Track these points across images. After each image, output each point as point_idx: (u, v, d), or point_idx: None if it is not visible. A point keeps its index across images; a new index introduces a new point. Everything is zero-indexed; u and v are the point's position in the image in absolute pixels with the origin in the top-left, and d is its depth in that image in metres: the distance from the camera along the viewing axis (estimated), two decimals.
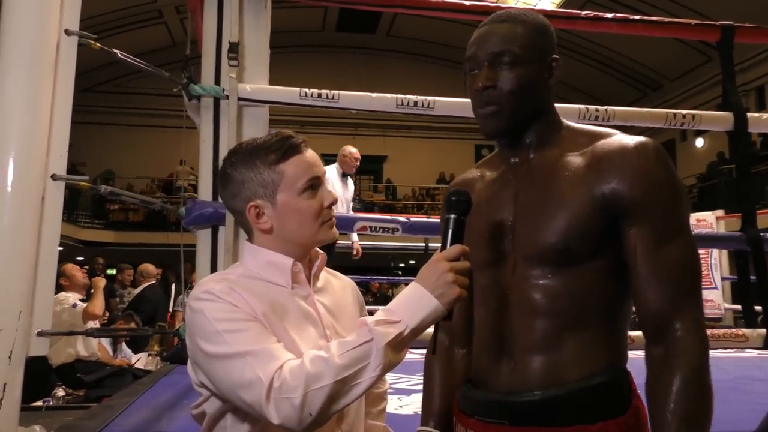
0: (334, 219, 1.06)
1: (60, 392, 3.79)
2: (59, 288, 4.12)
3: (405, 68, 16.18)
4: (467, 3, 2.70)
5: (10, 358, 1.69)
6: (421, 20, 12.63)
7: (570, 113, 2.57)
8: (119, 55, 2.27)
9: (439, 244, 0.95)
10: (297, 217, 1.01)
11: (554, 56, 0.99)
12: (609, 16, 2.89)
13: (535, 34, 0.98)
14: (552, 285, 0.93)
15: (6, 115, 1.76)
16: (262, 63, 2.70)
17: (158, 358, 4.71)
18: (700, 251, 4.60)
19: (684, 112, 2.77)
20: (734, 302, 6.25)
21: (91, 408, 2.51)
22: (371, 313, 1.00)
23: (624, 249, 0.91)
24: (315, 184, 1.02)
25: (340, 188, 4.78)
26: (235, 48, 2.53)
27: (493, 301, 0.99)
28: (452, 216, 0.93)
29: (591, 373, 0.90)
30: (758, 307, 2.66)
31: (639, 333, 2.35)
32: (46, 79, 1.84)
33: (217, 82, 2.59)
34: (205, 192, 2.53)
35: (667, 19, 3.13)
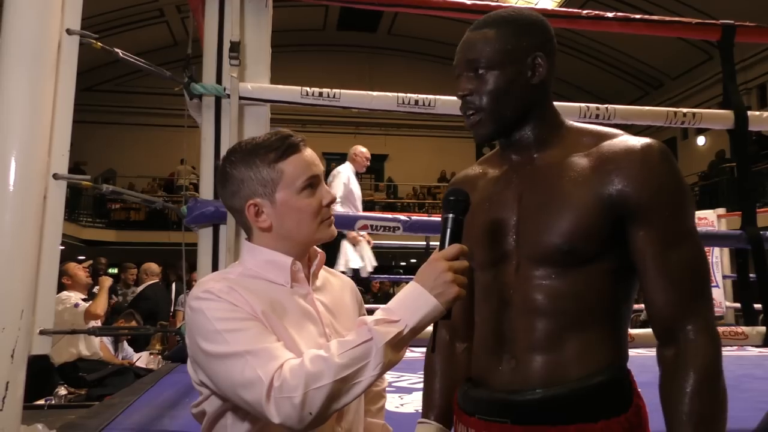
0: (332, 217, 1.06)
1: (62, 391, 3.79)
2: (61, 287, 4.13)
3: (406, 67, 16.17)
4: (468, 2, 2.70)
5: (12, 356, 1.69)
6: (423, 19, 12.62)
7: (571, 112, 2.57)
8: (120, 54, 2.27)
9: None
10: (296, 215, 1.02)
11: (537, 54, 0.97)
12: (610, 15, 2.88)
13: (511, 34, 0.97)
14: (555, 285, 0.93)
15: (8, 114, 1.77)
16: (263, 62, 2.70)
17: (160, 356, 4.72)
18: None
19: (685, 110, 2.77)
20: (735, 300, 6.24)
21: (93, 407, 2.52)
22: (371, 311, 1.00)
23: (632, 251, 0.92)
24: (314, 182, 1.03)
25: (357, 187, 4.86)
26: (236, 47, 2.53)
27: (495, 300, 0.99)
28: (450, 215, 0.94)
29: (592, 371, 0.91)
30: (758, 306, 2.66)
31: (639, 331, 2.37)
32: (48, 79, 1.84)
33: (219, 81, 2.59)
34: (207, 191, 2.53)
35: (667, 18, 3.13)
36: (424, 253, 6.12)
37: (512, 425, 0.92)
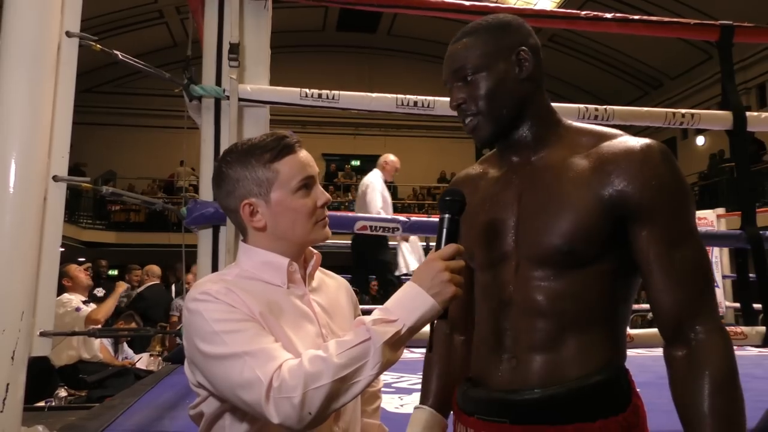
0: (327, 218, 1.07)
1: (62, 393, 3.79)
2: (62, 289, 4.13)
3: (406, 67, 16.18)
4: (467, 3, 2.71)
5: (12, 358, 1.70)
6: (422, 20, 12.63)
7: (570, 113, 2.57)
8: (120, 56, 2.28)
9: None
10: (291, 215, 1.02)
11: (521, 49, 0.98)
12: (608, 16, 2.89)
13: (490, 37, 0.99)
14: (554, 286, 0.94)
15: (7, 116, 1.77)
16: (262, 63, 2.71)
17: (160, 358, 4.72)
18: None
19: (683, 111, 2.78)
20: (735, 300, 6.25)
21: (93, 408, 2.52)
22: (368, 312, 1.01)
23: (634, 252, 0.92)
24: (309, 183, 1.04)
25: (388, 195, 4.95)
26: (235, 49, 2.53)
27: (494, 300, 1.00)
28: (447, 215, 0.95)
29: (590, 371, 0.91)
30: (758, 305, 2.66)
31: (638, 331, 2.37)
32: (48, 81, 1.84)
33: (218, 82, 2.59)
34: (206, 192, 2.54)
35: (666, 19, 3.13)
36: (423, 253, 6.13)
37: (511, 425, 0.93)
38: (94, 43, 2.03)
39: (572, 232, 0.91)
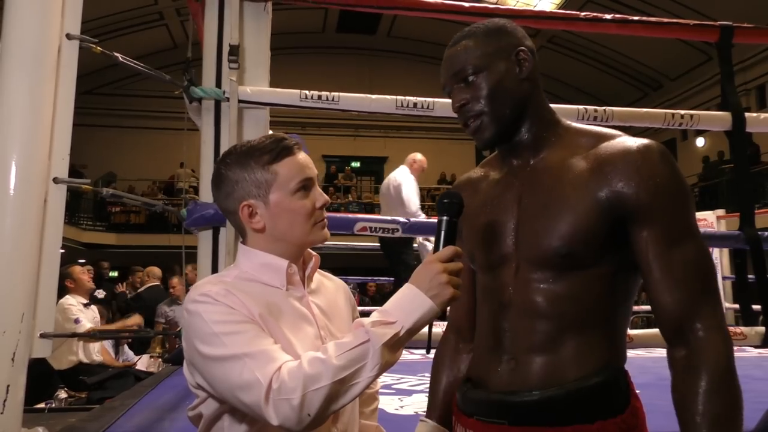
0: (325, 220, 1.07)
1: (62, 394, 3.80)
2: (64, 290, 4.14)
3: (406, 69, 16.18)
4: (466, 5, 2.71)
5: (13, 360, 1.70)
6: (422, 21, 12.64)
7: (569, 114, 2.58)
8: (120, 58, 2.28)
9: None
10: (289, 216, 1.03)
11: (520, 49, 0.99)
12: (608, 17, 2.90)
13: (488, 38, 0.99)
14: (554, 288, 0.94)
15: (8, 118, 1.78)
16: (262, 65, 2.71)
17: (160, 359, 4.72)
18: None
19: (682, 112, 2.78)
20: (735, 301, 6.25)
21: (93, 410, 2.52)
22: (366, 314, 1.01)
23: (634, 252, 0.92)
24: (307, 185, 1.04)
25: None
26: (235, 51, 2.54)
27: (495, 302, 1.00)
28: (444, 218, 0.95)
29: (589, 373, 0.91)
30: (757, 306, 2.67)
31: (638, 332, 2.37)
32: (48, 83, 1.85)
33: (218, 84, 2.60)
34: (206, 194, 2.54)
35: (665, 20, 3.14)
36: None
37: (510, 426, 0.93)
38: (94, 46, 2.04)
39: (571, 234, 0.91)
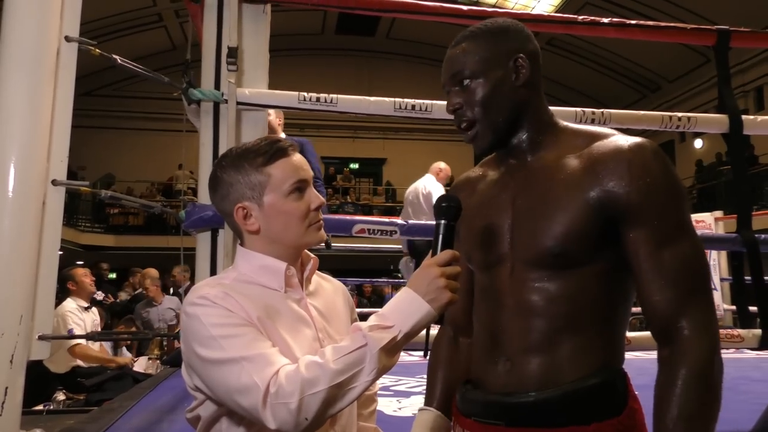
0: (321, 221, 1.07)
1: (60, 396, 3.79)
2: (66, 292, 4.14)
3: (405, 70, 16.20)
4: (465, 8, 2.72)
5: (11, 362, 1.70)
6: (421, 23, 12.65)
7: (567, 116, 2.58)
8: (119, 60, 2.28)
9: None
10: (283, 218, 1.03)
11: (519, 56, 0.99)
12: (605, 20, 2.90)
13: (488, 42, 0.99)
14: (549, 288, 0.94)
15: (7, 120, 1.78)
16: (261, 67, 2.71)
17: (158, 361, 4.72)
18: None
19: (680, 114, 2.79)
20: (733, 303, 6.26)
21: (91, 412, 2.52)
22: (365, 316, 1.01)
23: (625, 252, 0.91)
24: (302, 186, 1.04)
25: None
26: (233, 53, 2.54)
27: (491, 302, 1.00)
28: (442, 221, 0.95)
29: (586, 374, 0.91)
30: (754, 308, 2.67)
31: (636, 334, 2.37)
32: (47, 86, 1.85)
33: (217, 86, 2.60)
34: (205, 195, 2.54)
35: (663, 24, 3.14)
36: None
37: (506, 428, 0.93)
38: (93, 48, 2.04)
39: (564, 233, 0.92)
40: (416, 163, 16.95)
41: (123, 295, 6.70)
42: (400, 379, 2.94)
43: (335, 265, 6.99)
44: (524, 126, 1.01)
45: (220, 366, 0.91)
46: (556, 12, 13.08)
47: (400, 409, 2.40)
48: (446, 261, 0.92)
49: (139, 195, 12.98)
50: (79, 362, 4.08)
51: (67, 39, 1.93)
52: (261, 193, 1.03)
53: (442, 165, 5.24)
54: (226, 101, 2.52)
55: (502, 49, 0.99)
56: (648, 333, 0.95)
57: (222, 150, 2.51)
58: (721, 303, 6.26)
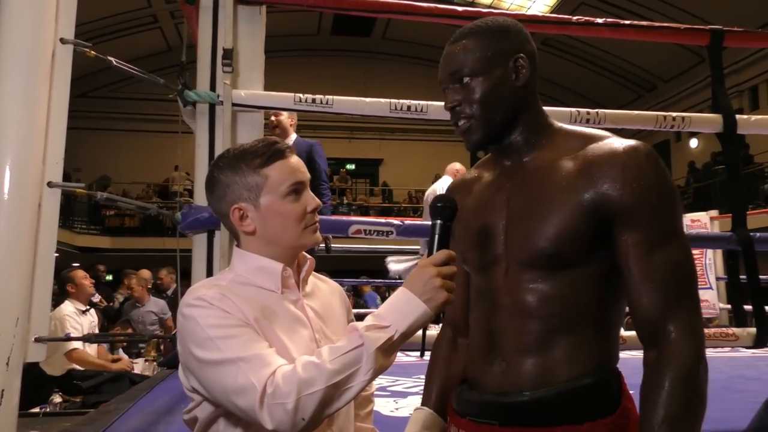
0: (317, 223, 1.08)
1: (57, 398, 3.78)
2: (66, 294, 4.14)
3: (401, 71, 16.22)
4: (460, 9, 2.73)
5: (7, 364, 1.70)
6: (417, 23, 12.65)
7: (562, 116, 2.59)
8: (114, 62, 2.28)
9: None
10: (280, 220, 1.03)
11: (519, 56, 0.98)
12: (600, 21, 2.91)
13: (488, 41, 0.98)
14: (543, 288, 0.94)
15: (2, 123, 1.78)
16: (257, 69, 2.72)
17: (155, 363, 4.71)
18: (694, 252, 4.64)
19: (674, 114, 2.80)
20: (729, 302, 6.28)
21: (88, 414, 2.51)
22: (361, 317, 1.02)
23: (617, 254, 0.92)
24: (299, 188, 1.04)
25: None
26: (229, 54, 2.55)
27: (486, 303, 1.01)
28: (438, 222, 0.95)
29: (580, 374, 0.91)
30: (749, 307, 2.68)
31: (631, 333, 2.38)
32: (42, 88, 1.85)
33: (213, 88, 2.60)
34: (201, 197, 2.54)
35: (657, 24, 3.15)
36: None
37: (500, 427, 0.94)
38: (88, 50, 2.04)
39: (558, 235, 0.92)
40: (413, 163, 17.07)
41: (120, 297, 6.68)
42: (397, 380, 2.94)
43: (331, 266, 6.99)
44: (520, 126, 1.01)
45: (216, 367, 0.91)
46: (551, 12, 13.12)
47: (397, 409, 2.40)
48: (442, 261, 0.93)
49: (135, 197, 12.95)
50: (76, 366, 4.07)
51: (62, 41, 1.93)
52: (258, 195, 1.03)
53: (457, 166, 5.23)
54: (221, 103, 2.52)
55: (503, 48, 0.98)
56: None
57: (218, 151, 2.51)
58: (717, 302, 6.28)
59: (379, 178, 17.74)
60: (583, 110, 2.67)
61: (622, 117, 2.86)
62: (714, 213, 6.92)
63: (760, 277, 2.65)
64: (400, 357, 3.33)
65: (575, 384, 0.91)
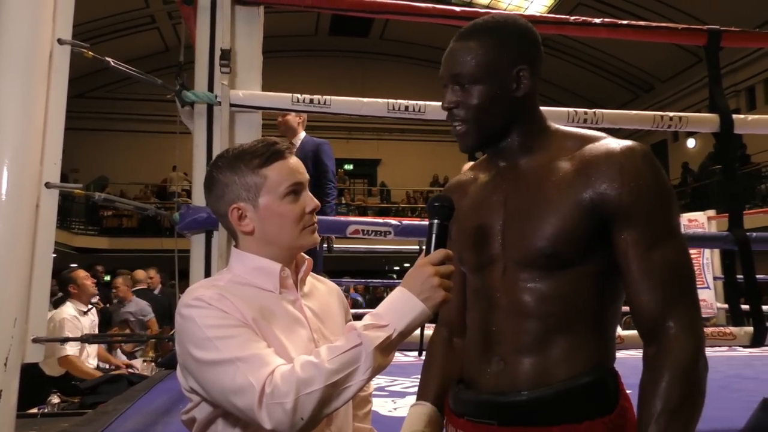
0: (315, 224, 1.08)
1: (55, 399, 3.77)
2: (68, 294, 4.13)
3: (398, 71, 16.23)
4: (458, 9, 2.74)
5: (5, 365, 1.70)
6: (414, 24, 12.66)
7: (559, 117, 2.60)
8: (112, 63, 2.28)
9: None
10: (278, 220, 1.03)
11: (521, 67, 0.97)
12: (597, 21, 2.92)
13: (494, 48, 0.97)
14: (540, 288, 0.95)
15: (0, 124, 1.78)
16: (254, 69, 2.72)
17: (153, 364, 4.71)
18: (692, 251, 4.66)
19: (671, 114, 2.81)
20: (726, 301, 6.30)
21: (86, 414, 2.51)
22: (359, 317, 1.02)
23: (615, 253, 0.92)
24: (297, 189, 1.04)
25: None
26: (226, 55, 2.55)
27: (483, 303, 1.01)
28: (435, 221, 0.96)
29: (578, 373, 0.92)
30: (746, 306, 2.69)
31: (628, 332, 2.39)
32: (40, 88, 1.85)
33: (211, 88, 2.60)
34: (199, 197, 2.54)
35: (654, 24, 3.16)
36: (417, 257, 6.15)
37: (498, 427, 0.94)
38: (86, 51, 2.04)
39: (555, 234, 0.92)
40: (410, 163, 17.08)
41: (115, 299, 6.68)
42: (396, 380, 2.94)
43: (330, 266, 6.99)
44: (516, 130, 1.01)
45: (215, 367, 0.91)
46: (548, 12, 13.14)
47: (395, 409, 2.40)
48: (440, 260, 0.93)
49: (132, 197, 12.93)
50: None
51: (60, 41, 1.93)
52: (256, 195, 1.03)
53: (468, 165, 5.26)
54: (219, 103, 2.52)
55: (506, 56, 0.97)
56: None
57: (216, 152, 2.51)
58: (714, 301, 6.29)
59: (377, 178, 17.74)
60: (580, 110, 2.68)
61: (619, 117, 2.87)
62: (711, 213, 6.93)
63: (757, 276, 2.66)
64: (398, 357, 3.33)
65: (574, 383, 0.91)
